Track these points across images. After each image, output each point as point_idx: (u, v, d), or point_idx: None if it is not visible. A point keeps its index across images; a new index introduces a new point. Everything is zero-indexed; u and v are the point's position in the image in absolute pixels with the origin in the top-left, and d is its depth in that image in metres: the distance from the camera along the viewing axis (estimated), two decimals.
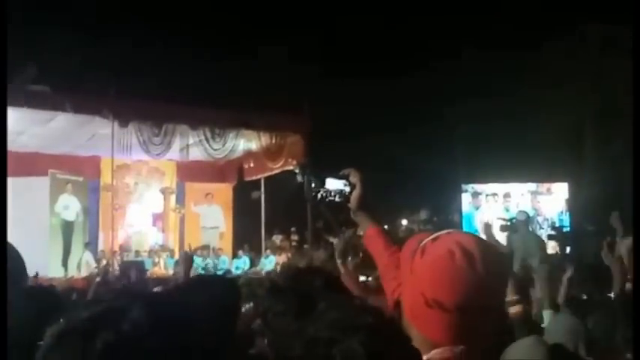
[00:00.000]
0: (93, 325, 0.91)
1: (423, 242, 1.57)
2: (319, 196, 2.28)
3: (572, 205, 15.56)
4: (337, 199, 2.28)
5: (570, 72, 18.12)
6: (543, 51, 18.02)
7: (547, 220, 14.93)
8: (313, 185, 2.27)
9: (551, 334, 2.53)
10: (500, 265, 1.60)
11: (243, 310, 1.92)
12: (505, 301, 3.11)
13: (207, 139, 13.94)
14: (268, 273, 13.27)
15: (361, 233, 2.42)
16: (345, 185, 2.28)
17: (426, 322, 1.52)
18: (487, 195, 15.73)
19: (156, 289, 4.46)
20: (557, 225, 11.65)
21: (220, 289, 2.25)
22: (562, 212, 15.40)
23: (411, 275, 1.55)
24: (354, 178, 2.29)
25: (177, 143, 13.97)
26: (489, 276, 1.50)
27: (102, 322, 0.92)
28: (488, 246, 1.58)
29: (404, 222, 15.40)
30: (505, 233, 9.43)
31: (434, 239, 1.57)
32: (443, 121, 18.63)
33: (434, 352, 1.50)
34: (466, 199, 15.88)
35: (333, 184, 2.28)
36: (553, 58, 18.00)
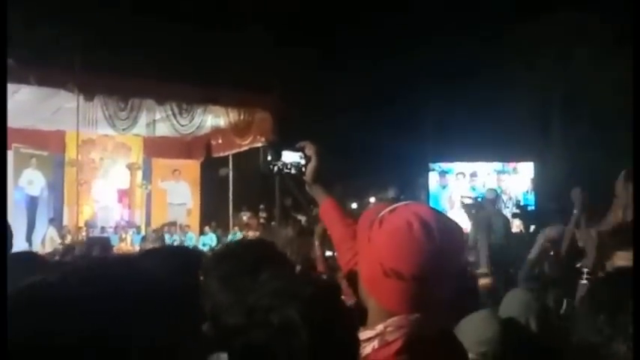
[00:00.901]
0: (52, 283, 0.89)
1: (381, 213, 1.60)
2: (275, 168, 2.28)
3: (537, 184, 15.77)
4: (293, 171, 2.29)
5: (538, 54, 18.30)
6: (512, 33, 18.14)
7: (512, 199, 15.12)
8: (269, 158, 2.27)
9: (505, 308, 2.57)
10: (456, 235, 1.63)
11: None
12: (461, 272, 3.16)
13: (174, 115, 13.80)
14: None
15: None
16: (301, 158, 2.28)
17: (383, 291, 1.55)
18: (454, 174, 15.86)
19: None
20: (522, 204, 11.80)
21: (179, 257, 2.26)
22: (527, 191, 15.60)
23: (369, 245, 1.58)
24: (310, 150, 2.30)
25: (143, 118, 13.81)
26: (445, 246, 1.53)
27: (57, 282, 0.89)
28: (444, 217, 1.62)
29: (372, 199, 15.45)
30: (472, 211, 9.55)
31: (391, 210, 1.60)
32: (411, 100, 18.70)
33: (390, 321, 1.54)
34: (433, 177, 16.01)
35: (289, 156, 2.28)
36: (522, 40, 18.13)
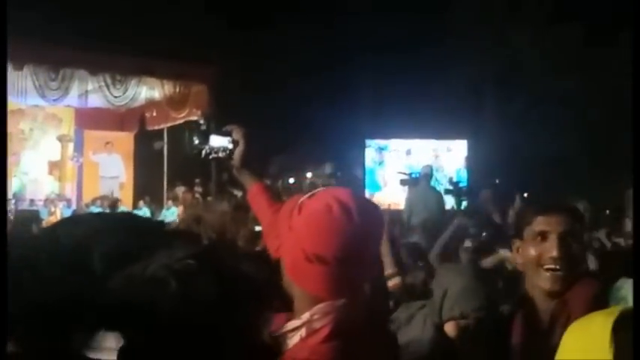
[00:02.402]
0: None
1: (301, 200, 1.60)
2: (202, 152, 2.24)
3: (471, 162, 16.09)
4: (221, 155, 2.26)
5: (475, 32, 18.56)
6: (450, 10, 18.34)
7: (446, 176, 15.40)
8: (196, 142, 2.23)
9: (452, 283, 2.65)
10: (376, 216, 1.64)
11: None
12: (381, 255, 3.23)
13: (107, 86, 13.47)
14: (169, 224, 13.08)
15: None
16: (229, 142, 2.25)
17: (307, 277, 1.55)
18: (390, 150, 16.03)
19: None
20: (454, 181, 12.00)
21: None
22: (460, 169, 15.91)
23: (290, 232, 1.58)
24: (238, 134, 2.27)
25: (75, 89, 13.43)
26: (366, 227, 1.55)
27: None
28: (363, 199, 1.64)
29: (309, 175, 15.50)
30: (405, 187, 9.69)
31: (311, 196, 1.60)
32: (348, 76, 18.75)
33: (316, 308, 1.54)
34: (370, 154, 16.13)
35: (216, 140, 2.24)
36: (459, 17, 18.35)
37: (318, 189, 1.64)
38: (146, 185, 16.93)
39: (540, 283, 2.05)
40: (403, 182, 9.88)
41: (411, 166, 14.36)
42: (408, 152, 15.79)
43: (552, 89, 18.06)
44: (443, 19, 18.34)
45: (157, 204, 16.08)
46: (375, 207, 1.67)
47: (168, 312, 1.24)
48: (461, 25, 18.07)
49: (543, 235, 2.06)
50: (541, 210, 2.11)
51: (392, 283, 3.64)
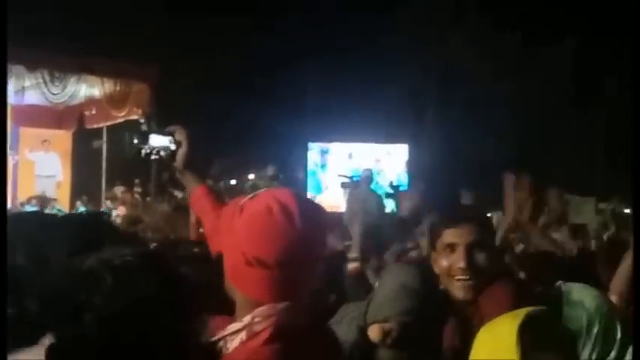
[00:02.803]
0: None
1: (243, 201, 1.57)
2: (143, 153, 2.18)
3: (412, 166, 16.29)
4: (163, 156, 2.20)
5: (416, 36, 18.81)
6: (392, 14, 18.54)
7: (386, 180, 15.56)
8: (136, 141, 2.17)
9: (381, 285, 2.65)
10: (319, 218, 1.61)
11: None
12: (325, 256, 3.23)
13: (45, 83, 13.15)
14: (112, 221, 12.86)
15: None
16: (171, 142, 2.19)
17: (248, 281, 1.52)
18: (332, 154, 16.12)
19: None
20: (394, 184, 12.17)
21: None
22: (401, 173, 16.09)
23: (230, 235, 1.55)
24: (180, 135, 2.21)
25: (12, 85, 13.09)
26: (308, 229, 1.52)
27: None
28: (306, 200, 1.61)
29: (251, 177, 15.44)
30: (346, 190, 9.78)
31: (252, 197, 1.57)
32: (291, 79, 18.76)
33: (257, 311, 1.51)
34: (312, 157, 16.19)
35: (158, 140, 2.18)
36: (401, 21, 18.56)
37: (260, 190, 1.61)
38: (84, 185, 16.58)
39: (454, 292, 2.13)
40: (344, 185, 9.98)
41: (353, 169, 14.49)
42: (350, 156, 15.89)
43: (492, 92, 18.44)
44: (385, 22, 18.52)
45: (94, 204, 15.77)
46: (318, 208, 1.64)
47: (100, 308, 1.22)
48: (402, 29, 18.29)
49: (452, 247, 2.13)
50: (448, 222, 2.17)
51: (352, 266, 3.66)
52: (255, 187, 14.49)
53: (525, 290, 2.14)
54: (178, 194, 13.66)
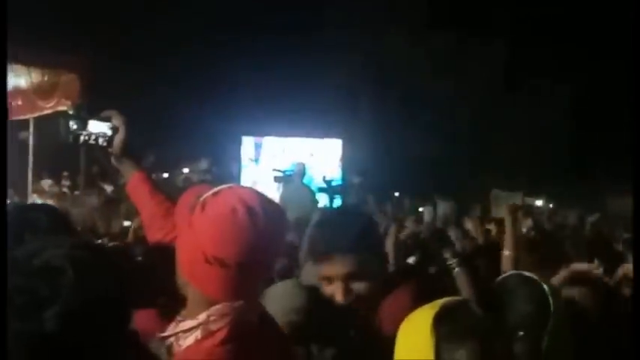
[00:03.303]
0: None
1: (203, 197, 1.54)
2: (80, 138, 2.13)
3: (345, 161, 16.42)
4: (100, 142, 2.15)
5: (351, 33, 18.97)
6: (327, 10, 18.63)
7: (319, 174, 15.63)
8: (74, 127, 2.12)
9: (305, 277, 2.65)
10: (280, 219, 1.61)
11: None
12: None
13: None
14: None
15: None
16: (109, 128, 2.15)
17: (205, 279, 1.50)
18: (266, 148, 16.09)
19: None
20: (327, 179, 12.23)
21: None
22: (334, 168, 16.17)
23: (190, 231, 1.51)
24: (117, 120, 2.17)
25: None
26: (270, 230, 1.52)
27: None
28: (269, 202, 1.58)
29: (185, 170, 15.28)
30: (280, 184, 9.78)
31: (215, 194, 1.54)
32: (225, 72, 18.64)
33: (214, 309, 1.50)
34: (246, 151, 16.13)
35: (95, 126, 2.14)
36: (336, 17, 18.68)
37: (222, 186, 1.57)
38: (9, 177, 16.05)
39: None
40: (277, 179, 9.97)
41: (286, 163, 14.52)
42: (283, 150, 15.89)
43: (425, 91, 18.76)
44: (321, 18, 18.59)
45: (20, 197, 15.30)
46: (278, 209, 1.62)
47: (61, 302, 1.20)
48: (338, 25, 18.40)
49: (329, 280, 2.03)
50: (322, 258, 2.05)
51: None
52: (188, 180, 14.35)
53: (429, 289, 2.07)
54: (108, 188, 13.41)
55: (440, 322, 1.48)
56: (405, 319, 1.57)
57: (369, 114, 20.14)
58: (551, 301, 1.95)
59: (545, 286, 1.98)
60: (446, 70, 18.86)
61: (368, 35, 19.16)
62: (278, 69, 18.13)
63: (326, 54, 18.32)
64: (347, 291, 1.98)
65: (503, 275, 2.15)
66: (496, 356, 1.49)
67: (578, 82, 18.92)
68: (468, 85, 18.91)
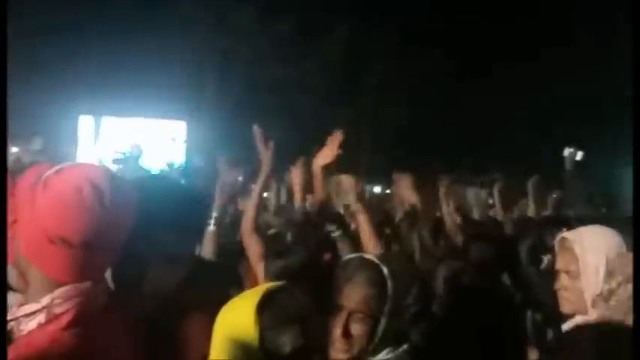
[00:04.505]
0: None
1: (46, 174, 1.47)
2: None
3: (189, 143, 16.28)
4: None
5: (198, 16, 18.77)
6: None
7: (161, 156, 15.36)
8: None
9: None
10: (129, 198, 1.55)
11: None
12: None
13: None
14: None
15: None
16: None
17: (49, 259, 1.44)
18: (106, 128, 15.62)
19: None
20: (170, 161, 12.09)
21: None
22: (177, 150, 16.01)
23: (31, 210, 1.44)
24: None
25: None
26: (117, 209, 1.47)
27: None
28: (117, 180, 1.53)
29: (14, 149, 14.43)
30: (119, 166, 9.52)
31: (58, 171, 1.48)
32: (66, 48, 17.78)
33: (58, 292, 1.44)
34: (84, 130, 15.57)
35: None
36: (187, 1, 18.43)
37: (66, 163, 1.50)
38: None
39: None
40: (116, 161, 9.73)
41: (126, 145, 14.13)
42: (125, 130, 15.45)
43: (265, 77, 18.95)
44: (173, 2, 18.25)
45: None
46: (129, 187, 1.56)
47: None
48: (178, 9, 18.16)
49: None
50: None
51: None
52: (19, 161, 13.54)
53: None
54: None
55: (264, 308, 1.48)
56: (227, 306, 1.55)
57: (214, 97, 20.04)
58: (389, 284, 1.95)
59: (384, 269, 1.98)
60: (286, 57, 19.15)
61: (212, 20, 19.07)
62: (121, 48, 17.47)
63: (172, 36, 17.89)
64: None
65: (347, 257, 2.13)
66: (320, 339, 1.52)
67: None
68: (307, 71, 19.37)
